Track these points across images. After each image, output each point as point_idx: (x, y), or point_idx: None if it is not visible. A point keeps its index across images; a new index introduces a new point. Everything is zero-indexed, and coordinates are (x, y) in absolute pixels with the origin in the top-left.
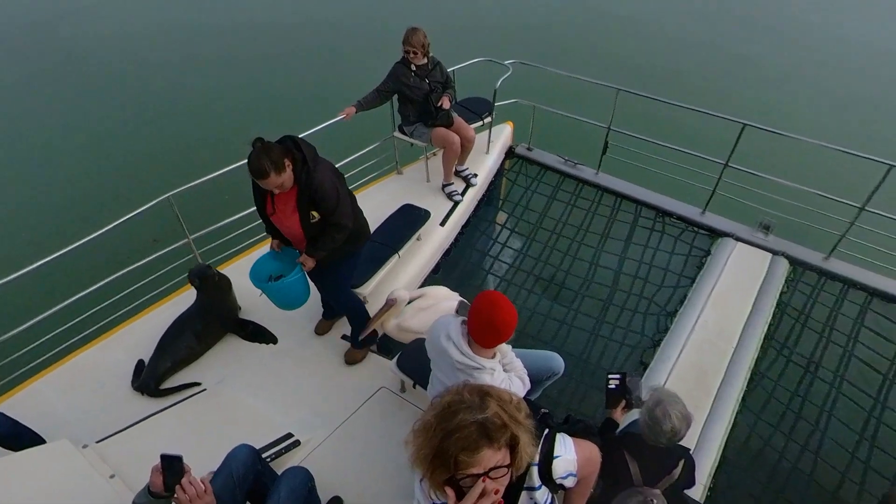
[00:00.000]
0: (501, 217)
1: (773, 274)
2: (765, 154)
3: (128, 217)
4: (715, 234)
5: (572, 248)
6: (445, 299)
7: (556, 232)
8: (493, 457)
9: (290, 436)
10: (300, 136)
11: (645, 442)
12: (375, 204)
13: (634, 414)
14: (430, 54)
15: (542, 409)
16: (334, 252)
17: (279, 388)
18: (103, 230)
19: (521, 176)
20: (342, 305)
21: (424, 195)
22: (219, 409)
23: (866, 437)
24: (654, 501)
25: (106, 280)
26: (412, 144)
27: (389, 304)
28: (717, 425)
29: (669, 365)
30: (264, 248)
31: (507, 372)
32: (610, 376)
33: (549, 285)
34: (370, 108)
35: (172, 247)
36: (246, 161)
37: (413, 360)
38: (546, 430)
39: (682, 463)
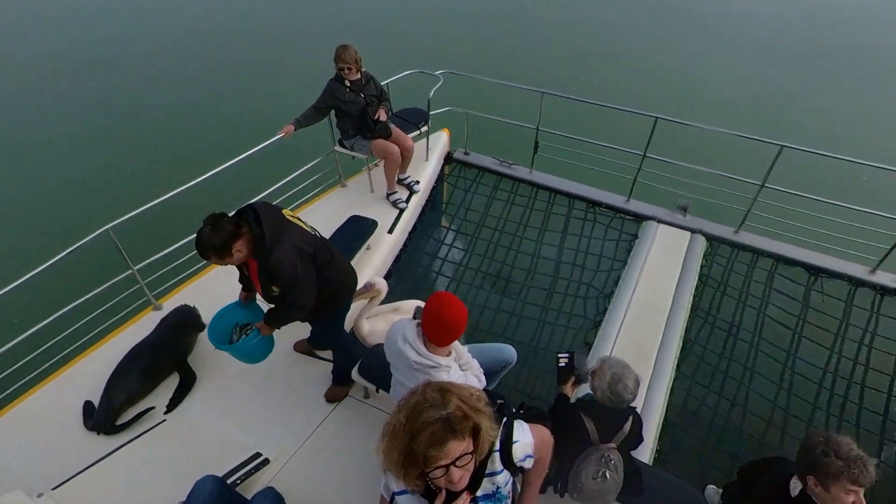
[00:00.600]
0: (446, 220)
1: (692, 250)
2: (678, 143)
3: (64, 254)
4: (640, 218)
5: (514, 243)
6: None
7: (498, 229)
8: (459, 447)
9: (258, 455)
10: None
11: (598, 404)
12: (323, 218)
13: (585, 388)
14: (363, 69)
15: (499, 400)
16: (314, 314)
17: (242, 407)
18: (37, 270)
19: (460, 179)
20: (333, 347)
21: (370, 205)
22: (180, 438)
23: (784, 387)
24: (611, 455)
25: (49, 319)
26: (353, 157)
27: (367, 286)
28: (658, 392)
29: (611, 342)
30: (212, 273)
31: (463, 371)
32: (560, 355)
33: (497, 280)
34: (309, 125)
35: (114, 280)
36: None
37: (374, 365)
38: (504, 418)
39: (631, 418)
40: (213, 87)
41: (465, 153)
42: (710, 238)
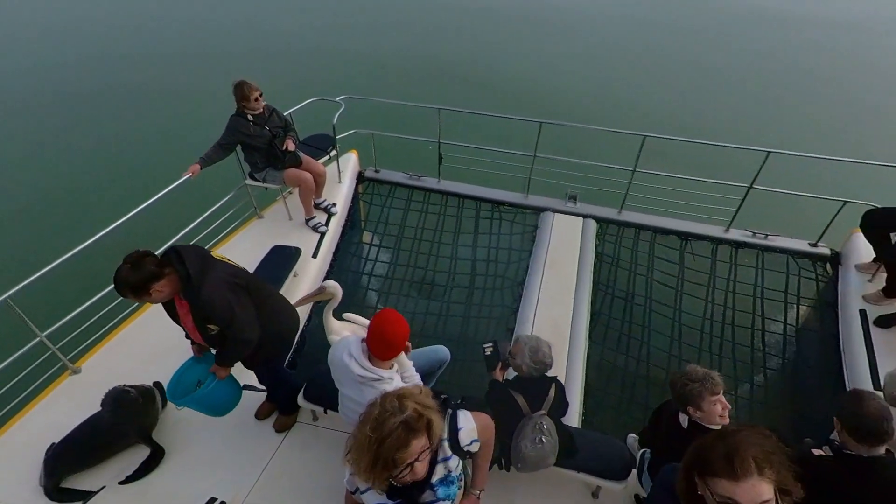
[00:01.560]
0: (367, 236)
1: (586, 232)
2: (564, 140)
3: None
4: (537, 211)
5: (433, 249)
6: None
7: (416, 238)
8: (419, 444)
9: (213, 500)
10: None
11: (523, 378)
12: (244, 251)
13: (514, 372)
14: (265, 102)
15: (442, 395)
16: (257, 354)
17: (190, 455)
18: None
19: (375, 196)
20: (276, 386)
21: (290, 233)
22: (128, 499)
23: (675, 338)
24: (542, 421)
25: None
26: (267, 188)
27: (321, 289)
28: (576, 362)
29: (529, 324)
30: (130, 328)
31: (405, 383)
32: (484, 346)
33: (422, 286)
34: (213, 164)
35: (23, 350)
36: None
37: (318, 388)
38: (448, 410)
39: (553, 385)
40: (106, 124)
41: (376, 171)
42: (599, 220)
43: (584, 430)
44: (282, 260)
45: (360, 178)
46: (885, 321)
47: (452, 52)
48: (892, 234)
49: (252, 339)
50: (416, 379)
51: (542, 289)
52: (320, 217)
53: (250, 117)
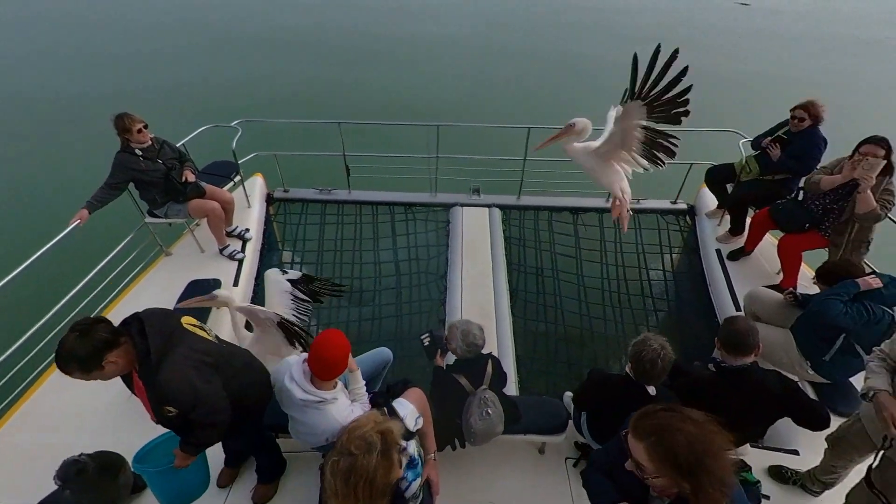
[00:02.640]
0: (287, 256)
1: (493, 220)
2: (461, 141)
3: None
4: (447, 207)
5: (355, 258)
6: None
7: (337, 249)
8: (398, 456)
9: None
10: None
11: (460, 361)
12: (156, 292)
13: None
14: (152, 135)
15: (374, 395)
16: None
17: None
18: None
19: (288, 216)
20: (256, 451)
21: (205, 265)
22: None
23: (581, 300)
24: (486, 395)
25: None
26: (171, 224)
27: (212, 296)
28: (505, 338)
29: (458, 311)
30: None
31: (353, 401)
32: (422, 337)
33: (350, 295)
34: (104, 205)
35: None
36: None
37: (269, 412)
38: (385, 406)
39: (490, 361)
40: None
41: (285, 191)
42: (503, 207)
43: (523, 397)
44: (202, 294)
45: (270, 199)
46: (734, 255)
47: (342, 74)
48: (728, 185)
49: (223, 423)
50: (364, 394)
51: (464, 277)
52: (235, 244)
53: (138, 151)
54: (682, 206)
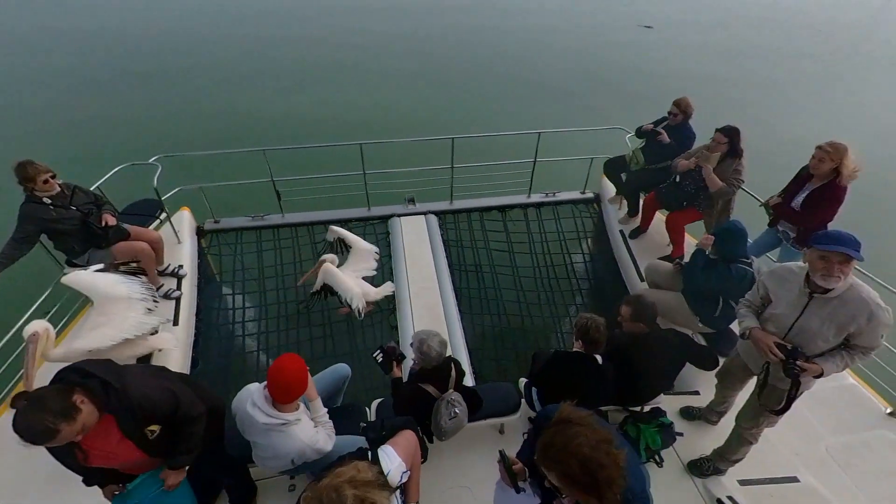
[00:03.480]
0: (226, 288)
1: (431, 226)
2: (390, 153)
3: None
4: (384, 219)
5: (298, 279)
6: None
7: (278, 275)
8: None
9: None
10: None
11: (426, 370)
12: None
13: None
14: (61, 181)
15: (362, 424)
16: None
17: None
18: None
19: (223, 246)
20: (228, 475)
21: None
22: None
23: (518, 289)
24: (452, 397)
25: None
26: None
27: (32, 339)
28: (457, 334)
29: (409, 317)
30: None
31: (317, 425)
32: (374, 355)
33: (298, 316)
34: (14, 262)
35: None
36: None
37: (232, 441)
38: (369, 453)
39: (452, 364)
40: None
41: (216, 222)
42: (438, 213)
43: (480, 386)
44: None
45: (201, 232)
46: (634, 234)
47: (263, 100)
48: (622, 174)
49: (203, 415)
50: (329, 424)
51: (410, 284)
52: (169, 283)
53: (46, 200)
54: (589, 195)
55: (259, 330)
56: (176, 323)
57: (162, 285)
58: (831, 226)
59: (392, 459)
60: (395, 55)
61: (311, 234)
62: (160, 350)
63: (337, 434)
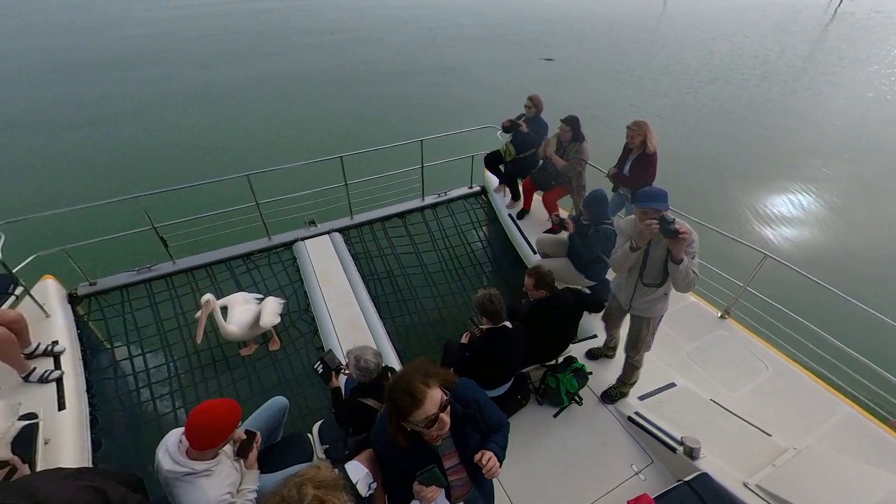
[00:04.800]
0: (119, 352)
1: (336, 243)
2: (282, 180)
3: None
4: (288, 245)
5: (208, 325)
6: None
7: (181, 325)
8: None
9: None
10: None
11: (364, 384)
12: None
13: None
14: None
15: (325, 446)
16: None
17: None
18: None
19: (106, 309)
20: None
21: (11, 401)
22: None
23: (430, 285)
24: None
25: None
26: None
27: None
28: (383, 341)
29: (333, 335)
30: None
31: (237, 494)
32: (315, 366)
33: (216, 363)
34: None
35: None
36: None
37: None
38: (336, 469)
39: (388, 373)
40: None
41: (91, 284)
42: (341, 230)
43: None
44: (17, 437)
45: (75, 299)
46: (520, 215)
47: (128, 142)
48: (501, 166)
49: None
50: (252, 500)
51: (328, 303)
52: (44, 364)
53: None
54: (476, 188)
55: (171, 388)
56: (62, 407)
57: (34, 369)
58: (655, 183)
59: (359, 471)
60: (267, 80)
61: (212, 276)
62: (47, 443)
63: (284, 466)
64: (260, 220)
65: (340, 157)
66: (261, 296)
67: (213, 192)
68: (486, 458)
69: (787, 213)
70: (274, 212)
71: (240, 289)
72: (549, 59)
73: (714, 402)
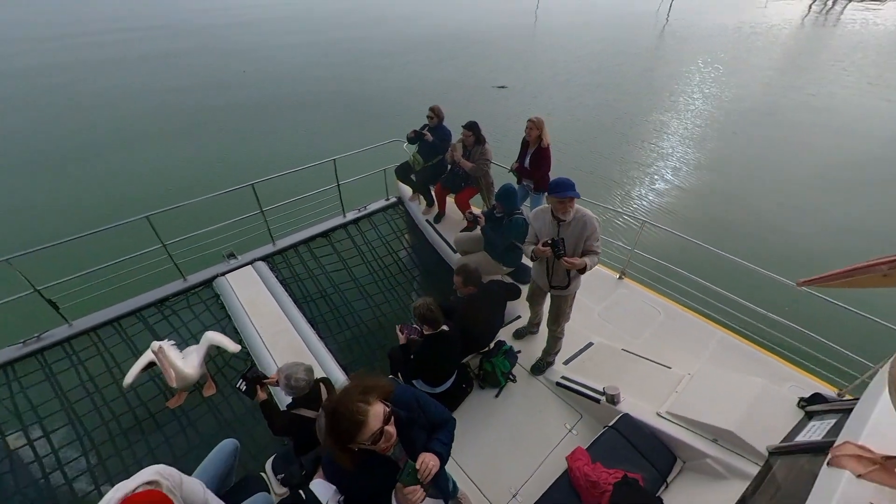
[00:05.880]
0: (14, 440)
1: (262, 273)
2: (190, 217)
3: None
4: (208, 283)
5: (121, 385)
6: None
7: (91, 392)
8: None
9: None
10: None
11: (298, 398)
12: None
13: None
14: None
15: (280, 476)
16: None
17: None
18: None
19: None
20: None
21: None
22: None
23: (365, 297)
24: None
25: None
26: None
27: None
28: (326, 360)
29: (274, 368)
30: None
31: None
32: (237, 385)
33: (139, 423)
34: None
35: None
36: None
37: None
38: (300, 488)
39: (321, 384)
40: None
41: None
42: (264, 258)
43: None
44: None
45: None
46: (437, 219)
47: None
48: (411, 176)
49: None
50: None
51: (262, 334)
52: None
53: None
54: (393, 199)
55: (90, 464)
56: None
57: None
58: (552, 174)
59: (325, 489)
60: (155, 113)
61: (121, 331)
62: None
63: None
64: (171, 261)
65: (252, 184)
66: (173, 341)
67: (109, 240)
68: (424, 466)
69: (659, 187)
70: (186, 251)
71: (157, 339)
72: (502, 87)
73: (625, 350)
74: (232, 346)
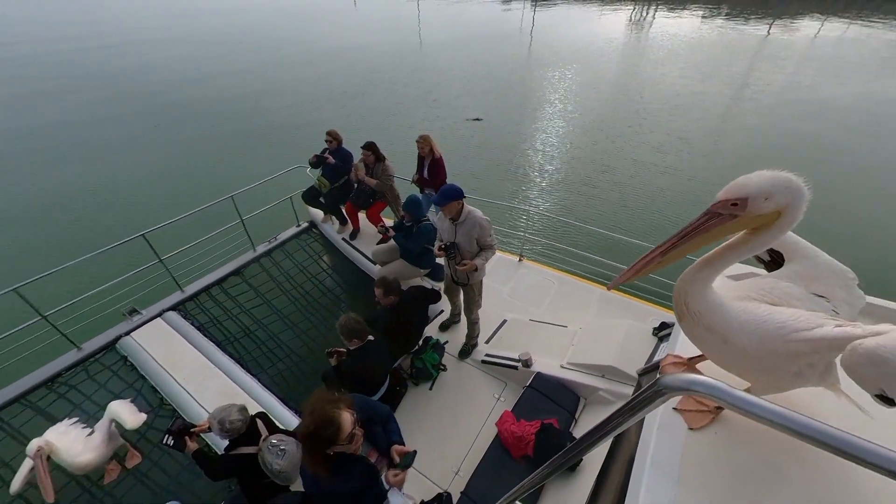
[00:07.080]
0: None
1: (174, 323)
2: (81, 281)
3: None
4: (110, 346)
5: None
6: None
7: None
8: None
9: None
10: None
11: (235, 439)
12: None
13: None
14: None
15: None
16: None
17: None
18: None
19: None
20: None
21: None
22: None
23: (291, 326)
24: (271, 441)
25: None
26: None
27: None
28: (262, 397)
29: (202, 414)
30: None
31: None
32: (164, 442)
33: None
34: None
35: None
36: None
37: None
38: None
39: (256, 421)
40: None
41: None
42: (174, 307)
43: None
44: None
45: None
46: (352, 236)
47: None
48: (320, 199)
49: None
50: None
51: (186, 387)
52: None
53: None
54: (305, 224)
55: None
56: None
57: None
58: (449, 180)
59: (403, 501)
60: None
61: (3, 423)
62: None
63: None
64: (57, 332)
65: (143, 234)
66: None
67: None
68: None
69: (541, 182)
70: (76, 317)
71: (52, 424)
72: (478, 119)
73: (532, 320)
74: (130, 421)
